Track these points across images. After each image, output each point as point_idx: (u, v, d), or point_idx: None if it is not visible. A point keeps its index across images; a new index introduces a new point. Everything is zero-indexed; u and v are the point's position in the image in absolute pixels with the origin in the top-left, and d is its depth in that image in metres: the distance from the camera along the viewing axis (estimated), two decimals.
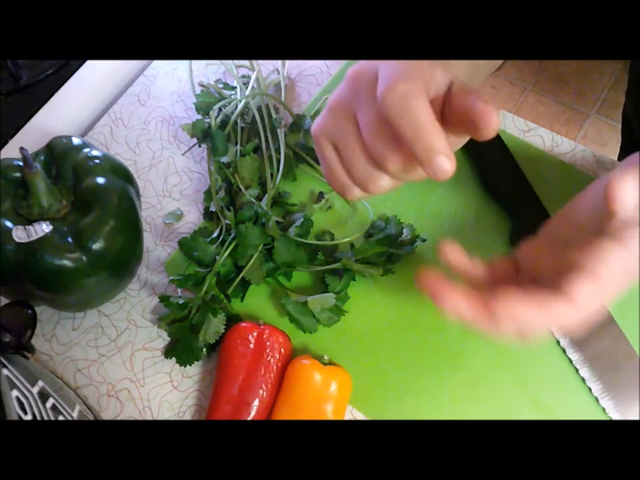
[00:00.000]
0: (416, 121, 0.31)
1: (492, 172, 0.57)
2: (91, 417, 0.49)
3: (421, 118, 0.31)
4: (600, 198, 0.37)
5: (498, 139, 0.58)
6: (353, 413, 0.51)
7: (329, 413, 0.48)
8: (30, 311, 0.50)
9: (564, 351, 0.50)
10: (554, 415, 0.48)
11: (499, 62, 0.47)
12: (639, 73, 0.70)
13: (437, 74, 0.34)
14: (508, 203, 0.56)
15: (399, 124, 0.31)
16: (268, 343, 0.50)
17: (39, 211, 0.50)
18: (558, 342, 0.50)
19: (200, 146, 0.64)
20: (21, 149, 0.49)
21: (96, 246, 0.49)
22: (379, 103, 0.32)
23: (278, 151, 0.60)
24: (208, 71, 0.69)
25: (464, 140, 0.37)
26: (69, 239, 0.49)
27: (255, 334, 0.50)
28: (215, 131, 0.59)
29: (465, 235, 0.56)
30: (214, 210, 0.58)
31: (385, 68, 0.33)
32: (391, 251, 0.54)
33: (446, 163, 0.31)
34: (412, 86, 0.31)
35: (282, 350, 0.50)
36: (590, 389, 0.49)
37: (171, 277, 0.55)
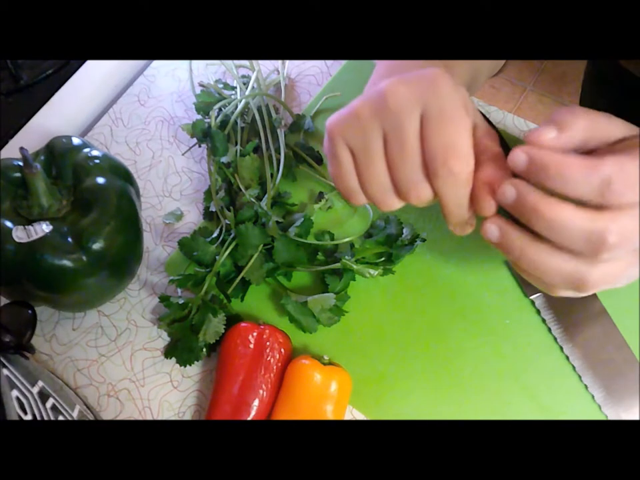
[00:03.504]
0: (459, 199, 0.35)
1: None
2: (91, 417, 0.49)
3: (463, 198, 0.35)
4: None
5: (499, 138, 0.58)
6: (352, 413, 0.51)
7: (328, 412, 0.47)
8: (30, 311, 0.50)
9: (567, 358, 0.50)
10: (556, 417, 0.48)
11: (499, 65, 0.46)
12: (591, 78, 0.70)
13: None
14: None
15: (445, 196, 0.35)
16: (268, 343, 0.50)
17: (39, 211, 0.50)
18: (561, 348, 0.50)
19: (200, 146, 0.64)
20: (21, 149, 0.49)
21: (96, 246, 0.49)
22: (433, 176, 0.34)
23: (278, 150, 0.60)
24: (208, 71, 0.69)
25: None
26: (69, 239, 0.49)
27: (254, 334, 0.50)
28: (215, 131, 0.59)
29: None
30: (214, 210, 0.58)
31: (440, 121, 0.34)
32: (390, 251, 0.54)
33: (469, 229, 0.37)
34: (467, 166, 0.34)
35: (282, 350, 0.50)
36: (593, 397, 0.48)
37: (171, 277, 0.55)
